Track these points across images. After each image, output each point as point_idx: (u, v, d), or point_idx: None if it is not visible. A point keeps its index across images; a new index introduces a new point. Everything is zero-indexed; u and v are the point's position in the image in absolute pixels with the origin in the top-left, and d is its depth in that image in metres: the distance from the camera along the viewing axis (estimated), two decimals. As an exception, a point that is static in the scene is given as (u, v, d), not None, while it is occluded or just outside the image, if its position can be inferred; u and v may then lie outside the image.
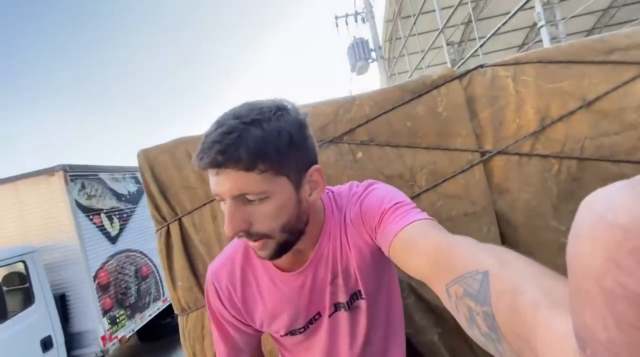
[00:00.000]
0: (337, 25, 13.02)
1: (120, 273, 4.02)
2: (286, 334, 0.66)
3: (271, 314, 0.64)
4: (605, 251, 0.12)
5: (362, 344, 0.66)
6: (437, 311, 1.03)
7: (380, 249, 0.57)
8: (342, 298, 0.63)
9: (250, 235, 0.50)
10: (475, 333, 0.31)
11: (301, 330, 0.65)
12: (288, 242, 0.54)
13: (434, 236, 0.45)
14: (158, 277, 4.67)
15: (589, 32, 13.63)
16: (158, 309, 4.55)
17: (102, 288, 3.69)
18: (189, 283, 1.09)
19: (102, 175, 4.08)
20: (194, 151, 1.10)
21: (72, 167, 3.64)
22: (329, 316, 0.65)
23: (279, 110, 0.50)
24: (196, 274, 1.10)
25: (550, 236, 0.98)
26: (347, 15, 12.70)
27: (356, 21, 12.51)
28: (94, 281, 3.60)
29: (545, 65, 0.99)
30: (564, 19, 7.02)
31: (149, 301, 4.42)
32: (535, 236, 1.00)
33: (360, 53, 12.40)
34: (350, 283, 0.62)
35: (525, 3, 7.00)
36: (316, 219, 0.60)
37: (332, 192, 0.66)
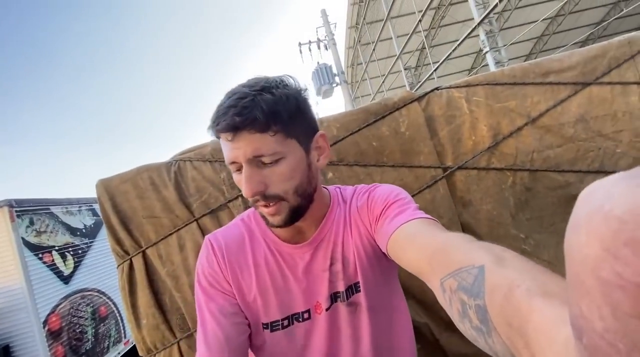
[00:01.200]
0: (301, 52, 13.46)
1: (74, 316, 3.65)
2: (266, 327, 0.60)
3: (261, 289, 0.60)
4: (601, 242, 0.12)
5: (367, 349, 0.62)
6: (414, 325, 1.04)
7: (379, 249, 0.58)
8: (340, 287, 0.61)
9: (265, 198, 0.52)
10: (467, 327, 0.31)
11: (285, 324, 0.60)
12: (300, 207, 0.56)
13: (432, 232, 0.46)
14: (119, 318, 4.30)
15: (528, 56, 15.20)
16: (119, 353, 4.16)
17: (53, 335, 3.33)
18: (155, 321, 1.02)
19: (54, 208, 3.77)
20: (158, 179, 1.06)
21: (19, 202, 3.34)
22: (327, 309, 0.61)
23: (283, 81, 0.54)
24: (163, 310, 1.03)
25: (512, 243, 1.04)
26: (310, 43, 13.20)
27: (319, 48, 13.03)
28: (44, 327, 3.24)
29: (493, 87, 1.08)
30: (505, 45, 7.78)
31: (109, 344, 4.04)
32: (499, 244, 1.05)
33: (324, 78, 12.86)
34: (349, 272, 0.61)
35: (471, 32, 7.71)
36: (321, 201, 0.62)
37: (339, 188, 0.69)
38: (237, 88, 0.52)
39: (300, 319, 0.61)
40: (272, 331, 0.60)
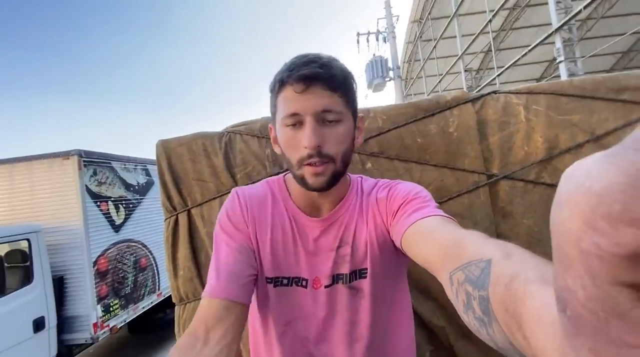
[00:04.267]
0: (358, 42, 13.27)
1: (119, 262, 4.05)
2: (270, 282, 0.64)
3: (273, 247, 0.63)
4: (582, 216, 0.12)
5: (362, 334, 0.64)
6: (431, 327, 1.04)
7: (392, 243, 0.60)
8: (344, 269, 0.63)
9: (320, 155, 0.56)
10: (470, 318, 0.32)
11: (285, 282, 0.64)
12: (340, 174, 0.59)
13: (448, 229, 0.47)
14: (156, 271, 4.69)
15: (608, 72, 13.66)
16: (152, 302, 4.56)
17: (100, 275, 3.73)
18: (190, 273, 1.12)
19: (114, 163, 4.17)
20: (210, 147, 1.15)
21: (87, 153, 3.73)
22: (326, 287, 0.63)
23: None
24: (198, 265, 1.13)
25: (550, 263, 0.99)
26: (368, 33, 12.95)
27: (377, 40, 12.74)
28: (93, 266, 3.64)
29: (557, 97, 1.02)
30: (583, 57, 7.07)
31: (144, 293, 4.44)
32: (535, 262, 1.01)
33: (378, 71, 12.58)
34: (357, 257, 0.63)
35: (546, 38, 7.09)
36: (344, 183, 0.66)
37: (362, 177, 0.72)
38: (307, 53, 0.57)
39: (299, 284, 0.64)
40: (275, 286, 0.64)
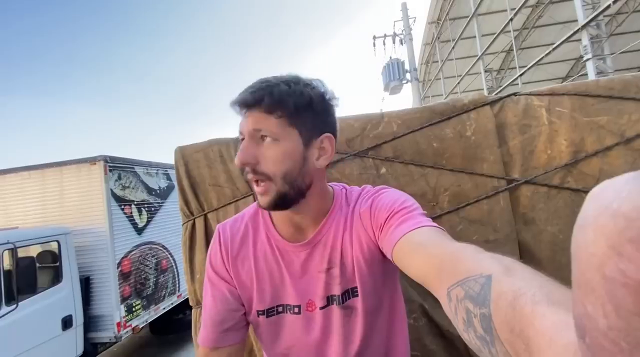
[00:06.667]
0: (374, 45, 13.21)
1: (141, 264, 4.17)
2: (262, 313, 0.65)
3: (259, 280, 0.65)
4: (607, 239, 0.12)
5: (357, 351, 0.64)
6: (448, 336, 1.01)
7: (381, 252, 0.59)
8: (336, 290, 0.63)
9: (255, 172, 0.56)
10: (471, 337, 0.31)
11: (279, 310, 0.65)
12: (287, 195, 0.57)
13: (440, 242, 0.45)
14: (176, 272, 4.80)
15: (641, 69, 12.96)
16: (172, 303, 4.66)
17: (124, 276, 3.85)
18: (206, 277, 1.14)
19: (137, 168, 4.31)
20: (226, 152, 1.17)
21: (112, 159, 3.88)
22: (321, 308, 0.64)
23: (310, 82, 0.59)
24: (214, 270, 1.14)
25: (576, 273, 0.94)
26: (385, 36, 12.88)
27: (394, 42, 12.64)
28: (117, 268, 3.76)
29: (583, 99, 0.97)
30: (613, 54, 6.75)
31: (165, 294, 4.55)
32: (560, 272, 0.96)
33: (395, 73, 12.47)
34: (346, 277, 0.62)
35: (572, 35, 6.82)
36: (323, 200, 0.64)
37: (346, 188, 0.69)
38: (268, 77, 0.59)
39: (291, 311, 0.64)
40: (267, 316, 0.65)
